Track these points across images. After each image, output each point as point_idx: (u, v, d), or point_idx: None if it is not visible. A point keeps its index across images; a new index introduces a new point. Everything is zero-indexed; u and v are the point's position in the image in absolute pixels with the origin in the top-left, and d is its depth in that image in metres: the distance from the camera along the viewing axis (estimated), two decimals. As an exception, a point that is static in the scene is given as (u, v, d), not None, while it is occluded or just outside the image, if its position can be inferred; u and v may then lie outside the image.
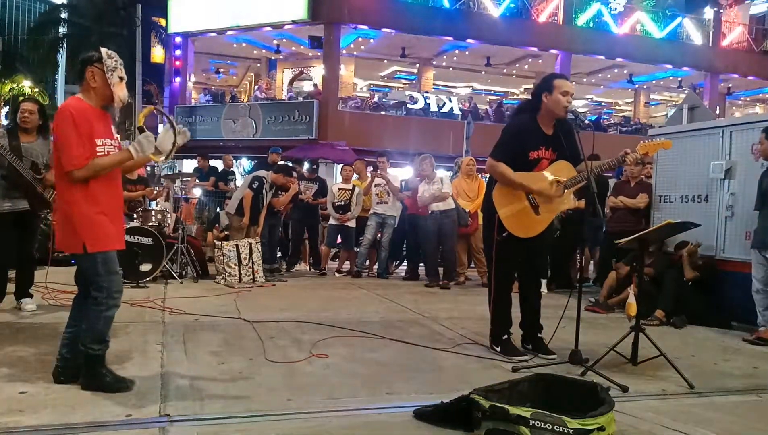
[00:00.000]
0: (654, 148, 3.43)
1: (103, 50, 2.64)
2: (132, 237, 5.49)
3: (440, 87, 20.33)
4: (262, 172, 6.69)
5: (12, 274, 4.47)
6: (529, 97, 3.58)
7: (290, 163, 8.22)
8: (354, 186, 7.43)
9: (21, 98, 4.41)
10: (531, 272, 3.61)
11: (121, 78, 2.63)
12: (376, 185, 7.22)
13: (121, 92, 2.64)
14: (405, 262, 7.96)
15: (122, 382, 2.61)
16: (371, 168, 8.00)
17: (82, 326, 2.66)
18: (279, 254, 7.47)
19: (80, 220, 2.54)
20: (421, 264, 7.46)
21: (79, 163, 2.51)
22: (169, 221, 6.60)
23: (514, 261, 3.51)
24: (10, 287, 4.38)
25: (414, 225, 7.11)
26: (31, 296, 4.33)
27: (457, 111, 16.44)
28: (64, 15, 21.34)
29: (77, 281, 2.77)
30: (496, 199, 3.43)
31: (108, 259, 2.60)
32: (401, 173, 9.99)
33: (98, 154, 2.57)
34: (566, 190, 3.37)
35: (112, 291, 2.62)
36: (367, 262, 7.49)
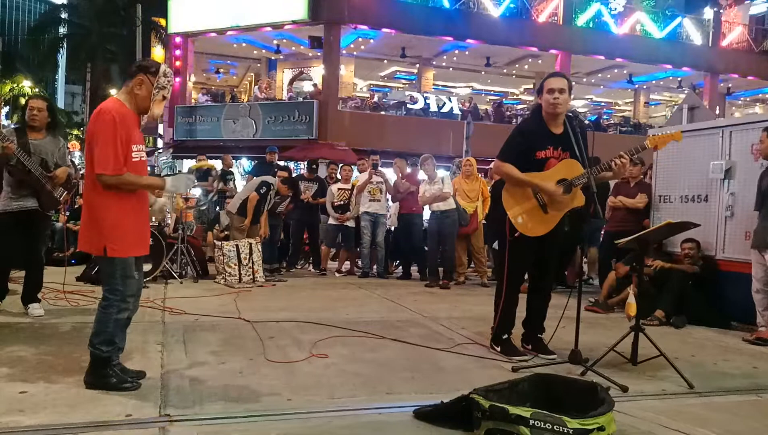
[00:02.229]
0: (664, 141, 3.41)
1: (163, 66, 2.70)
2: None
3: (440, 87, 20.33)
4: (270, 179, 6.74)
5: (13, 274, 4.44)
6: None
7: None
8: (353, 186, 7.45)
9: (30, 96, 4.35)
10: (542, 273, 3.61)
11: (164, 97, 2.70)
12: (369, 183, 7.23)
13: (157, 110, 2.70)
14: (404, 262, 7.99)
15: (126, 383, 2.61)
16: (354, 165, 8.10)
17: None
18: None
19: (107, 224, 2.57)
20: (415, 264, 7.50)
21: (112, 169, 2.52)
22: (169, 221, 6.61)
23: (525, 261, 3.53)
24: (12, 287, 4.37)
25: (408, 224, 7.15)
26: (39, 301, 4.21)
27: (456, 111, 16.44)
28: (64, 15, 21.40)
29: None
30: (505, 200, 3.45)
31: (126, 265, 2.64)
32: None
33: (133, 159, 2.62)
34: (574, 188, 3.37)
35: (125, 295, 2.65)
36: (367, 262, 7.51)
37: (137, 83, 2.65)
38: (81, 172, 10.11)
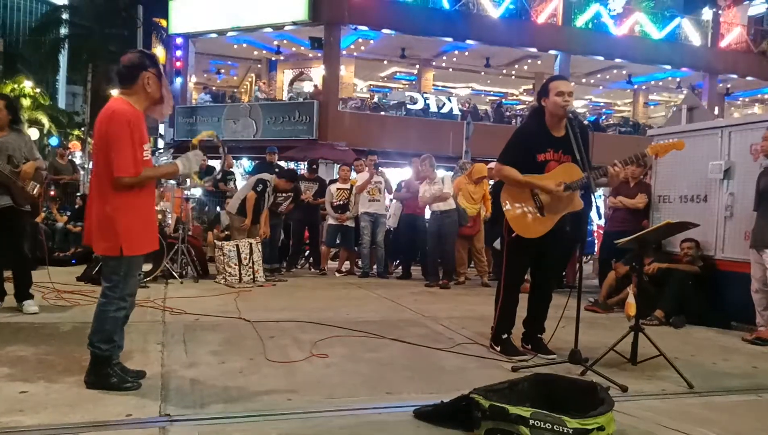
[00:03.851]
0: (665, 150, 3.40)
1: (152, 53, 2.70)
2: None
3: (440, 88, 20.34)
4: (266, 176, 6.72)
5: (9, 274, 4.45)
6: (535, 103, 3.60)
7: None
8: (352, 186, 7.45)
9: None
10: (543, 272, 3.62)
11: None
12: (369, 183, 7.22)
13: (170, 97, 2.71)
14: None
15: (127, 383, 2.61)
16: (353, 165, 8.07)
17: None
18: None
19: (123, 224, 2.56)
20: (418, 264, 7.50)
21: (132, 170, 2.52)
22: (169, 221, 6.62)
23: (524, 261, 3.54)
24: (8, 288, 4.37)
25: (411, 224, 7.15)
26: (32, 297, 4.25)
27: (456, 111, 16.46)
28: (65, 16, 21.37)
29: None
30: (503, 201, 3.47)
31: (133, 263, 2.65)
32: (402, 173, 10.02)
33: (144, 158, 2.61)
34: (572, 192, 3.38)
35: (125, 293, 2.65)
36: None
37: (145, 81, 2.61)
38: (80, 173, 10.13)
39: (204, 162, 7.41)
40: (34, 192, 4.20)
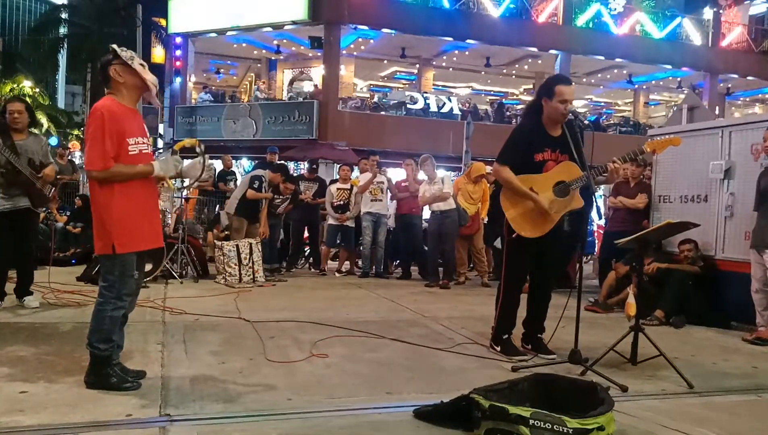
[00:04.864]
0: (662, 146, 3.41)
1: (114, 46, 2.66)
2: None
3: (440, 87, 20.34)
4: (260, 172, 6.71)
5: (11, 273, 4.47)
6: (534, 99, 3.60)
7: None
8: (352, 186, 7.45)
9: (7, 99, 4.46)
10: (543, 272, 3.62)
11: (142, 64, 2.65)
12: (372, 183, 7.22)
13: (149, 75, 2.66)
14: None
15: (127, 383, 2.61)
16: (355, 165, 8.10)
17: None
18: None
19: (112, 220, 2.55)
20: (415, 264, 7.50)
21: (99, 164, 2.51)
22: (169, 221, 6.62)
23: (524, 261, 3.54)
24: (9, 287, 4.39)
25: (407, 224, 7.15)
26: (32, 293, 4.36)
27: (456, 111, 16.46)
28: (64, 15, 21.37)
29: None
30: (503, 201, 3.46)
31: (127, 262, 2.63)
32: (402, 173, 10.00)
33: (130, 152, 2.58)
34: (572, 191, 3.38)
35: (121, 293, 2.64)
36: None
37: (115, 75, 2.60)
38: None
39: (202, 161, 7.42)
40: (50, 194, 4.26)
